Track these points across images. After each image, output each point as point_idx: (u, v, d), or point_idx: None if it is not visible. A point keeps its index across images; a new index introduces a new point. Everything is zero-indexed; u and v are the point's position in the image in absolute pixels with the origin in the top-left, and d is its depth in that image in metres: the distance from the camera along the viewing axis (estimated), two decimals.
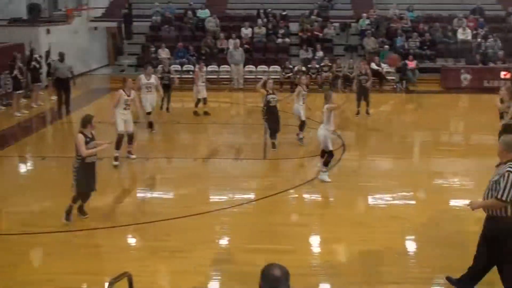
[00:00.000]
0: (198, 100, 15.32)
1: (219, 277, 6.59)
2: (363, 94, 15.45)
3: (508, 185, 5.18)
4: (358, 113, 15.45)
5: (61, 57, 15.82)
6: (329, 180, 9.76)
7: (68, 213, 7.86)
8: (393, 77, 21.00)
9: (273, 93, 12.19)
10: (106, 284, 4.48)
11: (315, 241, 7.66)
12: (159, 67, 17.38)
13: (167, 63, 16.99)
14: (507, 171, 5.23)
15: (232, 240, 7.47)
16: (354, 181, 10.02)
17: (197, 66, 16.96)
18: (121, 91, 10.98)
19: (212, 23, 23.54)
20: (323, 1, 25.65)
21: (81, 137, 7.66)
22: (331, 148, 9.83)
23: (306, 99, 12.39)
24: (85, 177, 7.79)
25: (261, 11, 24.17)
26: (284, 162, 11.48)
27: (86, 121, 7.86)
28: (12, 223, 8.04)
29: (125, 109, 10.89)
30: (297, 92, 12.29)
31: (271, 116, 12.00)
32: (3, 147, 12.57)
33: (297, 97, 12.21)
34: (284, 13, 24.32)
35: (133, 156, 11.14)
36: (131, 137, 11.11)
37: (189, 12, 24.13)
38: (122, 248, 7.26)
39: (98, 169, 10.27)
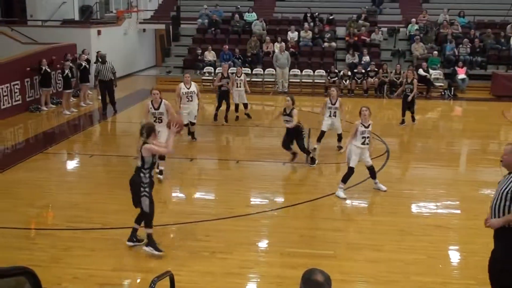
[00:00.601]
0: (236, 105, 15.25)
1: (258, 280, 6.60)
2: (407, 104, 14.74)
3: None
4: (403, 121, 14.94)
5: (103, 59, 16.10)
6: (345, 196, 9.29)
7: (153, 242, 7.08)
8: (441, 84, 20.57)
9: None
10: (147, 282, 4.54)
11: (355, 248, 7.55)
12: (218, 73, 17.11)
13: (227, 68, 15.90)
14: None
15: (271, 243, 7.46)
16: (398, 188, 9.85)
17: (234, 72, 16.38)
18: (148, 102, 10.54)
19: (258, 26, 23.63)
20: (372, 6, 25.41)
21: (150, 146, 6.98)
22: (352, 165, 9.29)
23: (336, 111, 11.78)
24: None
25: (308, 15, 24.11)
26: (326, 167, 11.40)
27: (151, 130, 7.12)
28: (57, 219, 8.28)
29: (155, 121, 9.99)
30: (324, 103, 12.01)
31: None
32: (52, 144, 12.95)
33: (323, 108, 12.00)
34: (331, 17, 24.19)
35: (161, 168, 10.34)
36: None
37: (236, 15, 24.31)
38: (163, 247, 7.34)
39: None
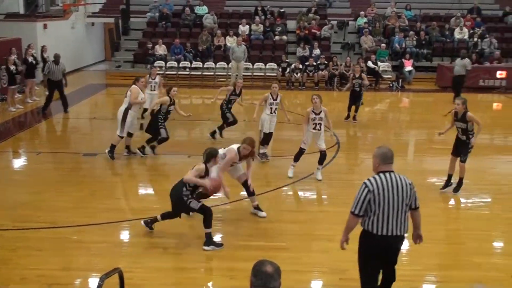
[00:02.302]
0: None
1: (211, 274, 6.60)
2: (354, 98, 14.62)
3: None
4: (348, 116, 14.81)
5: (56, 59, 15.52)
6: (292, 176, 10.00)
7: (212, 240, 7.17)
8: (390, 76, 21.03)
9: (174, 103, 11.26)
10: (97, 280, 4.47)
11: (308, 239, 7.65)
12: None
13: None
14: None
15: (224, 237, 7.46)
16: (349, 179, 10.03)
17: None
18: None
19: (209, 20, 23.52)
20: None
21: (190, 177, 6.96)
22: (302, 146, 9.93)
23: (277, 109, 11.22)
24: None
25: (259, 8, 24.15)
26: (279, 159, 11.47)
27: (211, 156, 7.12)
28: (4, 219, 8.01)
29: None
30: (263, 98, 11.19)
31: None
32: None
33: (261, 105, 11.20)
34: (281, 10, 24.32)
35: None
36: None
37: (187, 9, 24.10)
38: (115, 245, 7.25)
39: (90, 165, 10.32)
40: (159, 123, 11.02)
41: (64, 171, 10.52)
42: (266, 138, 11.28)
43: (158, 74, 13.64)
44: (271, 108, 11.15)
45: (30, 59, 16.62)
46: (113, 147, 11.03)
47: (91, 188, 9.38)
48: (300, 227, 7.91)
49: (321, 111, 9.74)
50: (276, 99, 11.18)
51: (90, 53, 26.47)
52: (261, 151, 11.23)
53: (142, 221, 7.49)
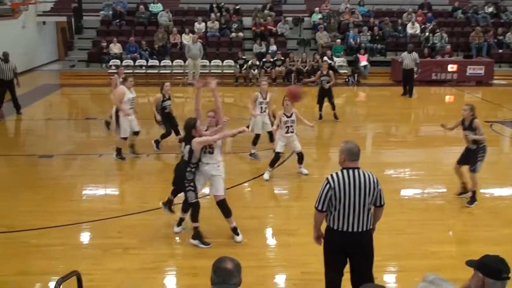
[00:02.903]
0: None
1: (173, 272, 6.58)
2: (326, 96, 14.46)
3: None
4: (320, 117, 14.52)
5: (5, 57, 15.12)
6: (268, 178, 9.76)
7: (200, 235, 7.14)
8: (346, 71, 21.35)
9: (169, 98, 11.39)
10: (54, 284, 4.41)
11: (269, 234, 7.73)
12: None
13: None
14: None
15: (186, 235, 7.44)
16: (309, 173, 10.13)
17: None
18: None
19: (165, 18, 23.31)
20: None
21: (200, 139, 6.82)
22: (278, 150, 9.75)
23: (267, 108, 11.02)
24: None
25: (214, 5, 24.09)
26: (239, 156, 11.51)
27: (190, 127, 6.96)
28: None
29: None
30: (253, 98, 11.01)
31: (168, 122, 11.43)
32: None
33: (252, 104, 10.98)
34: (237, 7, 24.32)
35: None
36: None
37: (141, 6, 23.81)
38: (74, 247, 7.13)
39: (46, 167, 10.11)
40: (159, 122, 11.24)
41: (20, 174, 10.27)
42: (257, 139, 11.15)
43: (125, 73, 13.18)
44: (261, 108, 10.90)
45: None
46: (118, 150, 10.92)
47: (48, 191, 9.20)
48: (261, 223, 7.98)
49: (292, 113, 9.69)
50: (265, 98, 10.95)
51: (43, 52, 25.85)
52: (252, 151, 11.12)
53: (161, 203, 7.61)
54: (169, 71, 21.23)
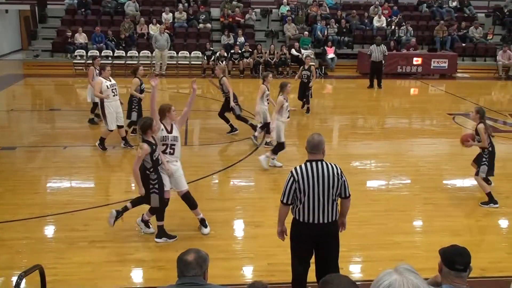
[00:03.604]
0: None
1: (139, 265, 6.53)
2: (304, 90, 14.72)
3: None
4: (308, 110, 14.76)
5: None
6: (266, 167, 9.85)
7: (165, 233, 7.04)
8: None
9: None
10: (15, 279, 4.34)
11: (237, 226, 7.75)
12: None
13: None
14: None
15: (153, 227, 7.40)
16: (274, 166, 10.18)
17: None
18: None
19: (131, 7, 22.98)
20: None
21: (146, 148, 6.50)
22: (283, 140, 9.77)
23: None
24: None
25: None
26: (205, 148, 11.48)
27: (147, 127, 6.67)
28: None
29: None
30: (260, 92, 10.84)
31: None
32: None
33: (261, 98, 10.83)
34: None
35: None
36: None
37: None
38: (38, 241, 7.02)
39: (8, 159, 9.91)
40: (132, 106, 11.10)
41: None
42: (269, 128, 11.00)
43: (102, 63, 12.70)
44: (268, 100, 10.97)
45: None
46: (102, 139, 10.87)
47: (11, 183, 9.01)
48: (227, 215, 7.99)
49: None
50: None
51: (5, 42, 25.21)
52: (267, 140, 11.26)
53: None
54: (135, 62, 20.94)
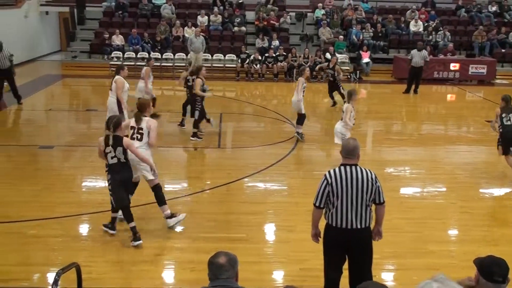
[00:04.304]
0: None
1: (171, 266, 6.57)
2: (335, 89, 15.66)
3: None
4: (334, 104, 15.83)
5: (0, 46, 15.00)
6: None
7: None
8: (347, 67, 21.29)
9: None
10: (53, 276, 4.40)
11: (268, 230, 7.72)
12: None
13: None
14: None
15: (184, 229, 7.43)
16: (308, 170, 10.14)
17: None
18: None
19: (168, 10, 23.23)
20: None
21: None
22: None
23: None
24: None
25: None
26: (239, 151, 11.50)
27: (119, 125, 6.82)
28: None
29: None
30: (300, 84, 11.48)
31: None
32: None
33: (298, 90, 11.48)
34: (240, 1, 24.24)
35: None
36: None
37: None
38: (73, 239, 7.13)
39: (46, 158, 10.08)
40: (196, 105, 11.58)
41: (19, 164, 10.25)
42: (302, 119, 11.85)
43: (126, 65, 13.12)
44: (303, 91, 11.69)
45: None
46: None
47: (48, 181, 9.19)
48: (260, 218, 7.96)
49: None
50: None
51: (45, 43, 25.79)
52: (299, 131, 11.86)
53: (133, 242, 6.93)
54: (170, 64, 21.18)
